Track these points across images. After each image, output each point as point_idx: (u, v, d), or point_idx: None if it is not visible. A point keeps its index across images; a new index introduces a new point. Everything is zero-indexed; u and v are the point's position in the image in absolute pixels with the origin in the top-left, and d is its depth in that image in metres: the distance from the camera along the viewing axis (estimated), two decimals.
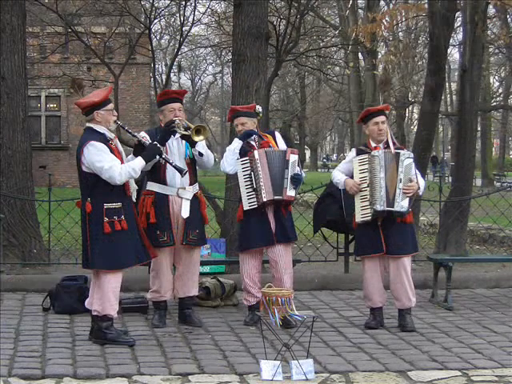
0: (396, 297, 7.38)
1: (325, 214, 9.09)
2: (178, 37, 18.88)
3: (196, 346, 6.60)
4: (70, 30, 15.94)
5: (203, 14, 19.03)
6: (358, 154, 7.40)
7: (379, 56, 26.69)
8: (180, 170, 6.99)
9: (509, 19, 25.50)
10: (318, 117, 45.94)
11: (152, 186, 7.24)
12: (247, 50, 9.98)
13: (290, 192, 7.36)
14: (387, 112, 7.65)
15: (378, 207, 7.15)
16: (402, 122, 32.07)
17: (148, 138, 7.06)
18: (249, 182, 7.34)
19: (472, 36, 11.50)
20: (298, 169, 7.42)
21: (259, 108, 7.75)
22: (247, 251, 7.46)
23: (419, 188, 7.36)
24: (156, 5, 16.20)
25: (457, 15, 14.33)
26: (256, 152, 7.34)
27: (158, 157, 6.94)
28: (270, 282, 6.81)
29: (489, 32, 21.90)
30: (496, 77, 38.51)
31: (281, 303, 5.78)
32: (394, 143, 7.37)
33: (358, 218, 7.31)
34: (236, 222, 8.10)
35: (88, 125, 6.69)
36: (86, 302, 6.88)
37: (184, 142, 7.25)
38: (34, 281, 9.04)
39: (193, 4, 16.34)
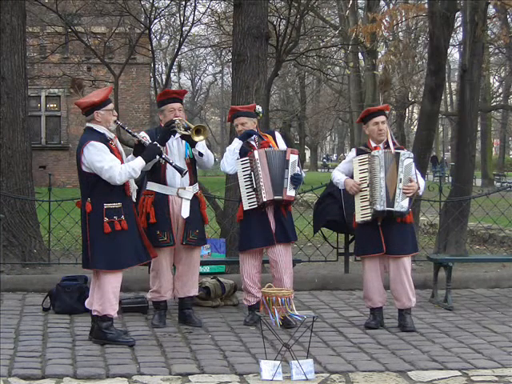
0: (396, 297, 7.38)
1: (325, 214, 9.08)
2: (178, 37, 18.88)
3: (196, 346, 6.60)
4: (70, 30, 15.93)
5: (203, 14, 19.04)
6: (358, 154, 7.40)
7: (379, 56, 26.67)
8: (180, 170, 6.99)
9: (509, 19, 25.47)
10: (318, 117, 45.95)
11: (152, 186, 7.24)
12: (247, 50, 9.99)
13: (290, 192, 7.36)
14: (387, 112, 7.64)
15: (378, 207, 7.15)
16: (402, 122, 32.08)
17: (148, 137, 7.06)
18: (249, 182, 7.34)
19: (472, 36, 11.50)
20: (298, 169, 7.42)
21: (259, 108, 7.75)
22: (247, 251, 7.46)
23: (419, 188, 7.36)
24: (156, 5, 16.19)
25: (457, 15, 14.33)
26: (256, 152, 7.34)
27: (157, 157, 6.94)
28: (270, 282, 6.81)
29: (489, 32, 21.89)
30: (496, 77, 38.50)
31: (281, 303, 5.78)
32: (394, 143, 7.37)
33: (358, 218, 7.31)
34: (236, 222, 8.09)
35: (88, 125, 6.69)
36: (86, 302, 6.88)
37: (184, 142, 7.25)
38: (34, 281, 9.04)
39: (193, 4, 16.34)
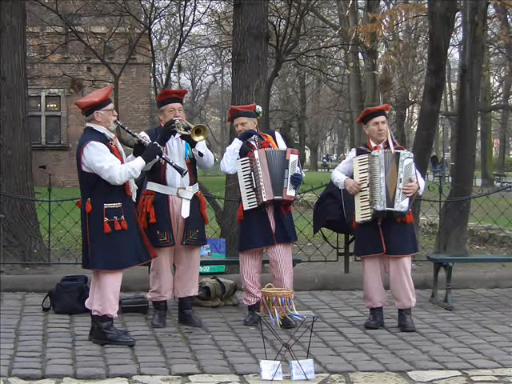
0: (396, 297, 7.38)
1: (325, 214, 9.08)
2: (178, 37, 18.87)
3: (196, 345, 6.60)
4: (70, 30, 15.93)
5: (203, 14, 19.02)
6: (358, 154, 7.40)
7: (379, 56, 26.68)
8: (180, 170, 6.99)
9: (509, 19, 25.48)
10: (318, 117, 45.99)
11: (152, 186, 7.24)
12: (247, 50, 9.99)
13: (290, 192, 7.36)
14: (387, 112, 7.64)
15: (378, 207, 7.15)
16: (402, 122, 32.06)
17: (148, 137, 7.06)
18: (249, 182, 7.34)
19: (472, 36, 11.49)
20: (298, 169, 7.42)
21: (259, 108, 7.75)
22: (247, 251, 7.46)
23: (419, 188, 7.37)
24: (156, 5, 16.18)
25: (457, 15, 14.32)
26: (256, 152, 7.34)
27: (157, 157, 6.94)
28: (270, 282, 6.80)
29: (489, 32, 21.90)
30: (496, 77, 38.52)
31: (281, 303, 5.78)
32: (394, 143, 7.37)
33: (358, 217, 7.31)
34: (236, 221, 8.10)
35: (88, 125, 6.69)
36: (86, 302, 6.88)
37: (184, 142, 7.25)
38: (34, 281, 9.04)
39: (193, 4, 16.34)
